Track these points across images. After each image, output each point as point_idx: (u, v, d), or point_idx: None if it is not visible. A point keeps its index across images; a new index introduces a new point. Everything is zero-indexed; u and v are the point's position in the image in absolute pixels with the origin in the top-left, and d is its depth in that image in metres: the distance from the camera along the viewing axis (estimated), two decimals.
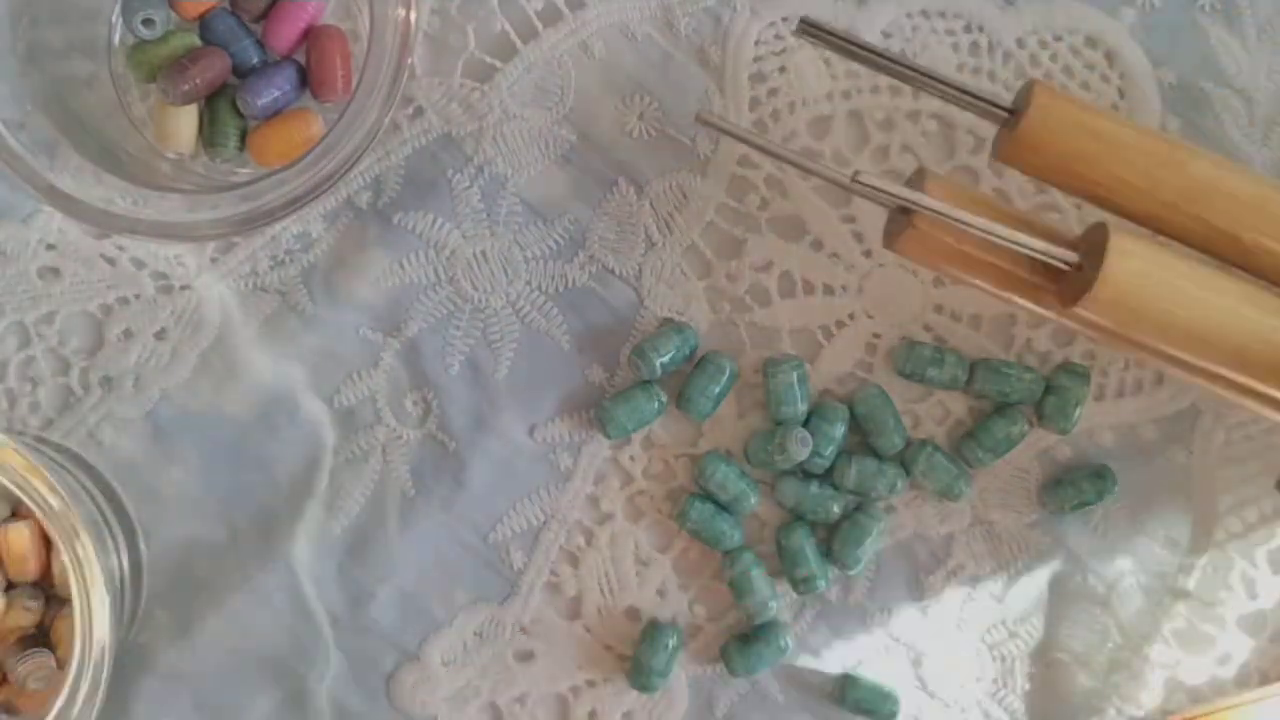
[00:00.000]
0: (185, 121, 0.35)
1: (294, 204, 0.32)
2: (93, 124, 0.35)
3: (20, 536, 0.34)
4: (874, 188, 0.24)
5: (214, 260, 0.37)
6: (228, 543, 0.36)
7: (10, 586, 0.34)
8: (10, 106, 0.33)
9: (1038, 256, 0.24)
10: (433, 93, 0.37)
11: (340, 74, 0.35)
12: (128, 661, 0.36)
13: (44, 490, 0.32)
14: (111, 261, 0.36)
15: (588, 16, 0.37)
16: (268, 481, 0.37)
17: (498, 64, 0.37)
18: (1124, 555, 0.37)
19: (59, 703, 0.32)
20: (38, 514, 0.32)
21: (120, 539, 0.35)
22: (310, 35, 0.36)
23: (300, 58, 0.36)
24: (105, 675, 0.32)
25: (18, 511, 0.34)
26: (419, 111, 0.37)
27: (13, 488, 0.32)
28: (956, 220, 0.24)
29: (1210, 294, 0.25)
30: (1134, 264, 0.25)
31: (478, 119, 0.37)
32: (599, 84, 0.37)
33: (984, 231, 0.23)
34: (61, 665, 0.33)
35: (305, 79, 0.36)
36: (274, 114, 0.35)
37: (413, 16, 0.33)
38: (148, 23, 0.35)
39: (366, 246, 0.37)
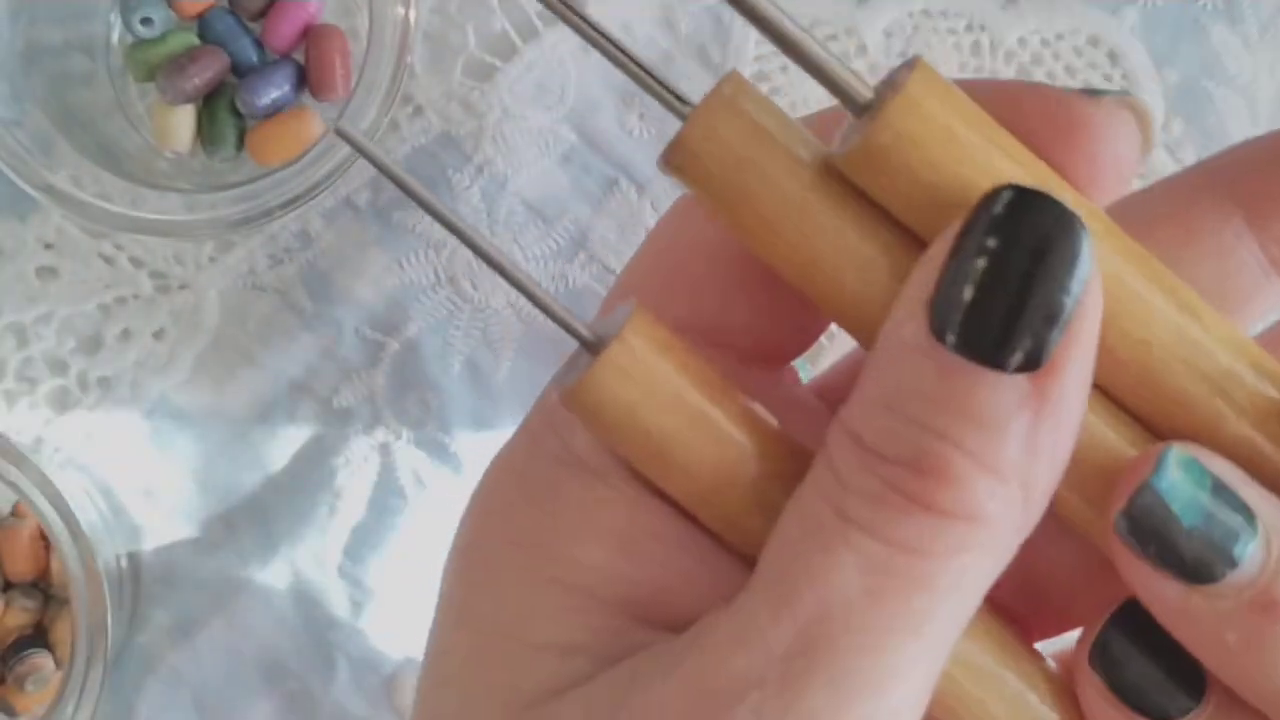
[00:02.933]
0: (184, 120, 0.35)
1: (293, 203, 0.32)
2: (91, 123, 0.35)
3: (19, 537, 0.34)
4: None
5: (212, 259, 0.37)
6: (227, 543, 0.36)
7: (8, 586, 0.34)
8: (8, 105, 0.33)
9: (834, 82, 0.17)
10: (432, 92, 0.37)
11: (339, 73, 0.35)
12: (127, 662, 0.36)
13: (42, 490, 0.32)
14: (109, 261, 0.36)
15: (588, 16, 0.37)
16: (267, 482, 0.37)
17: (498, 63, 0.37)
18: None
19: (57, 703, 0.32)
20: (36, 514, 0.32)
21: (119, 539, 0.35)
22: (309, 34, 0.36)
23: (299, 57, 0.36)
24: (104, 676, 0.32)
25: (16, 511, 0.34)
26: (418, 111, 0.37)
27: (11, 488, 0.32)
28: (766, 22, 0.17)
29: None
30: (931, 107, 0.17)
31: (477, 118, 0.37)
32: (599, 84, 0.37)
33: (794, 43, 0.18)
34: (60, 666, 0.33)
35: (304, 78, 0.36)
36: (273, 113, 0.35)
37: (412, 15, 0.33)
38: (146, 22, 0.35)
39: (366, 246, 0.37)
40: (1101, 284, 0.17)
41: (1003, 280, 0.15)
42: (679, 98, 0.18)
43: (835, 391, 0.20)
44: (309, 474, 0.37)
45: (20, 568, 0.34)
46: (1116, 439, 0.18)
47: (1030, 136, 0.17)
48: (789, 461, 0.17)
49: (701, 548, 0.18)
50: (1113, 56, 0.37)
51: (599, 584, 0.17)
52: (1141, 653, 0.18)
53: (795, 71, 0.37)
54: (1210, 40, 0.37)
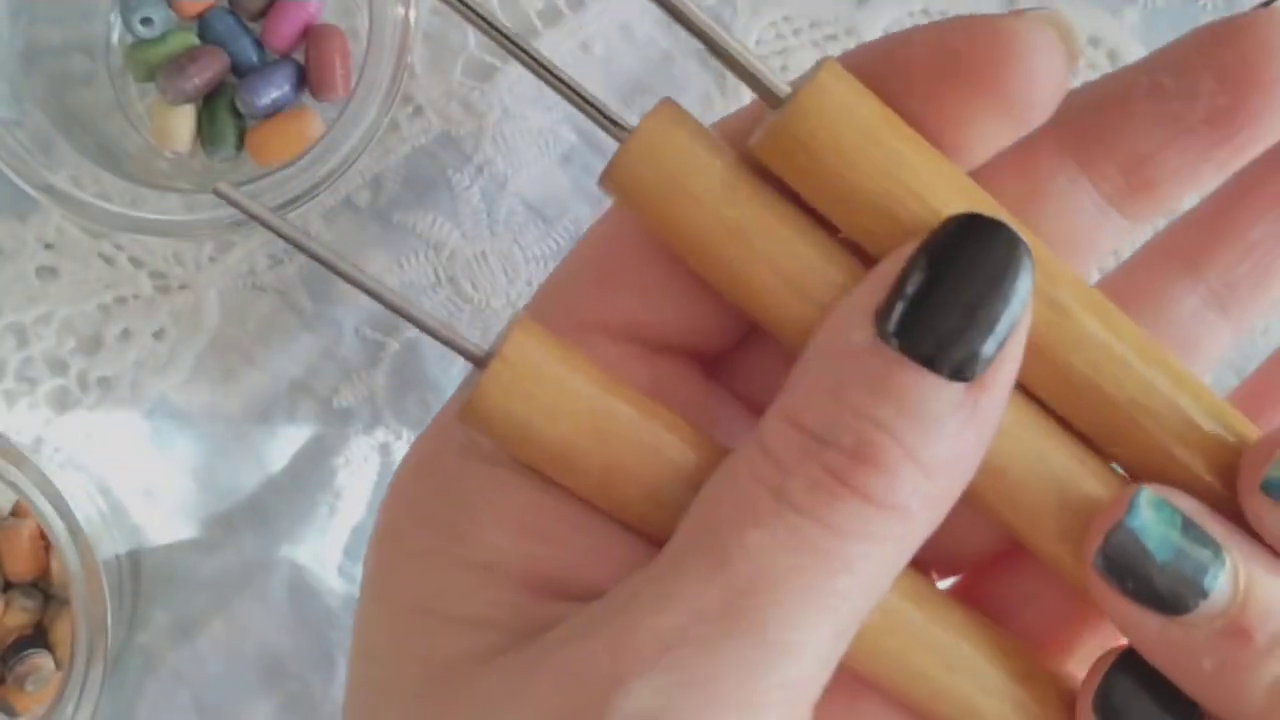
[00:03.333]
0: (183, 120, 0.35)
1: (292, 203, 0.32)
2: (91, 122, 0.35)
3: (19, 537, 0.34)
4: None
5: (212, 260, 0.37)
6: (227, 544, 0.36)
7: (8, 586, 0.34)
8: (8, 105, 0.33)
9: (754, 78, 0.18)
10: (432, 92, 0.37)
11: (339, 73, 0.35)
12: (127, 662, 0.36)
13: (42, 490, 0.32)
14: (109, 261, 0.36)
15: (588, 16, 0.37)
16: (267, 482, 0.37)
17: (498, 63, 0.37)
18: None
19: (57, 704, 0.32)
20: (36, 514, 0.32)
21: (118, 539, 0.35)
22: (309, 34, 0.36)
23: (299, 57, 0.36)
24: (104, 676, 0.32)
25: (16, 511, 0.34)
26: (418, 110, 0.37)
27: (11, 488, 0.32)
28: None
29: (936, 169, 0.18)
30: (842, 96, 0.18)
31: (477, 118, 0.37)
32: (599, 84, 0.37)
33: (719, 44, 0.19)
34: (60, 666, 0.33)
35: (304, 78, 0.36)
36: (273, 113, 0.35)
37: (412, 15, 0.33)
38: (146, 21, 0.35)
39: (366, 246, 0.37)
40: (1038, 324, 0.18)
41: (951, 296, 0.16)
42: (616, 123, 0.19)
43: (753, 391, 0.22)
44: (309, 474, 0.37)
45: (20, 568, 0.34)
46: (1092, 483, 0.19)
47: (966, 67, 0.17)
48: (687, 453, 0.18)
49: (600, 525, 0.19)
50: (1113, 56, 0.37)
51: (505, 562, 0.18)
52: (1140, 698, 0.19)
53: (796, 71, 0.37)
54: None
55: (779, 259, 0.18)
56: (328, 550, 0.37)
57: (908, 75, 0.18)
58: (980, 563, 0.22)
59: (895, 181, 0.18)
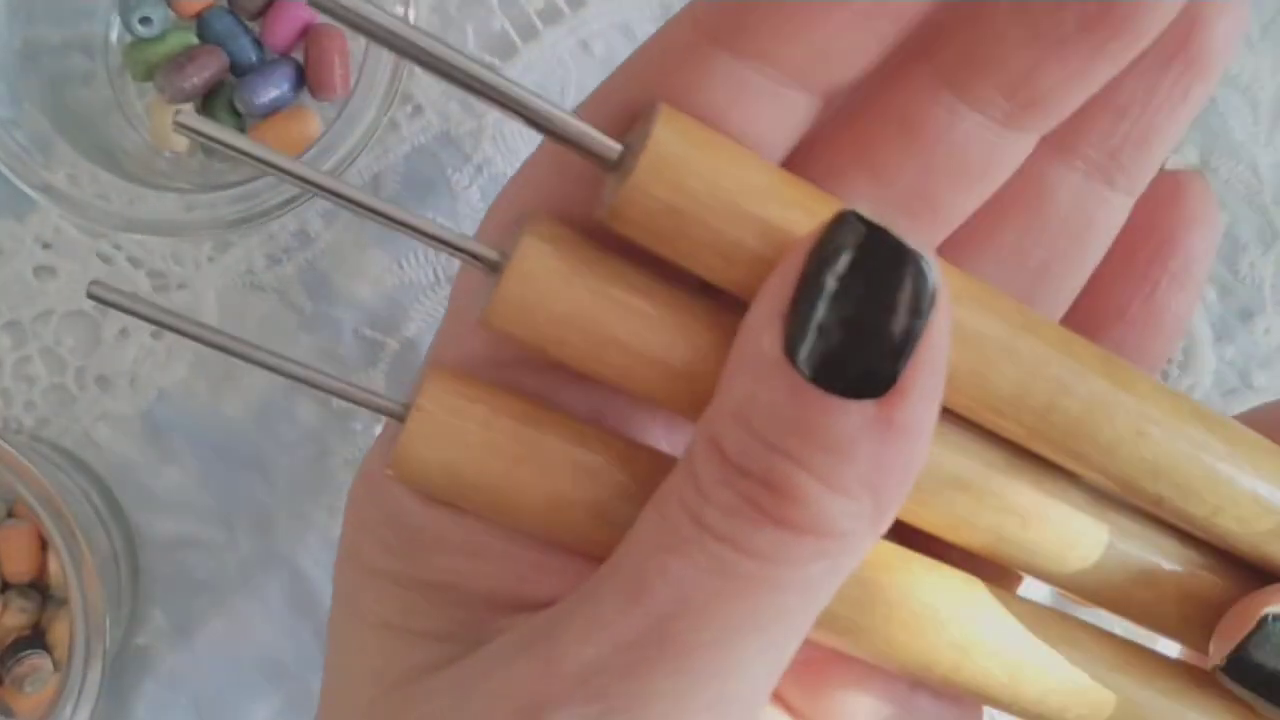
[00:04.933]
0: None
1: (291, 202, 0.32)
2: (89, 122, 0.35)
3: (16, 538, 0.33)
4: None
5: (211, 259, 0.37)
6: (226, 544, 0.36)
7: (6, 587, 0.34)
8: (6, 104, 0.32)
9: (577, 141, 0.17)
10: (431, 91, 0.37)
11: (338, 72, 0.35)
12: (126, 664, 0.36)
13: (40, 490, 0.32)
14: (108, 260, 0.36)
15: (588, 15, 0.37)
16: (265, 482, 0.36)
17: (497, 63, 0.37)
18: None
19: (55, 704, 0.31)
20: (33, 514, 0.32)
21: (117, 540, 0.35)
22: (308, 34, 0.35)
23: (298, 56, 0.36)
24: (102, 677, 0.32)
25: (14, 512, 0.34)
26: (418, 110, 0.37)
27: (8, 489, 0.32)
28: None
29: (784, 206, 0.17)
30: (685, 145, 0.16)
31: (477, 118, 0.37)
32: (599, 83, 0.37)
33: (542, 116, 0.16)
34: (58, 667, 0.33)
35: (303, 77, 0.36)
36: (272, 112, 0.35)
37: (412, 14, 0.32)
38: (145, 21, 0.35)
39: (365, 246, 0.37)
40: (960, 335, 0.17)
41: (840, 312, 0.15)
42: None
43: None
44: (309, 474, 0.36)
45: (18, 568, 0.34)
46: (1209, 579, 0.20)
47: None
48: (629, 470, 0.18)
49: (545, 541, 0.19)
50: None
51: (460, 582, 0.18)
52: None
53: None
54: None
55: (656, 354, 0.17)
56: (326, 551, 0.37)
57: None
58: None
59: (751, 219, 0.16)
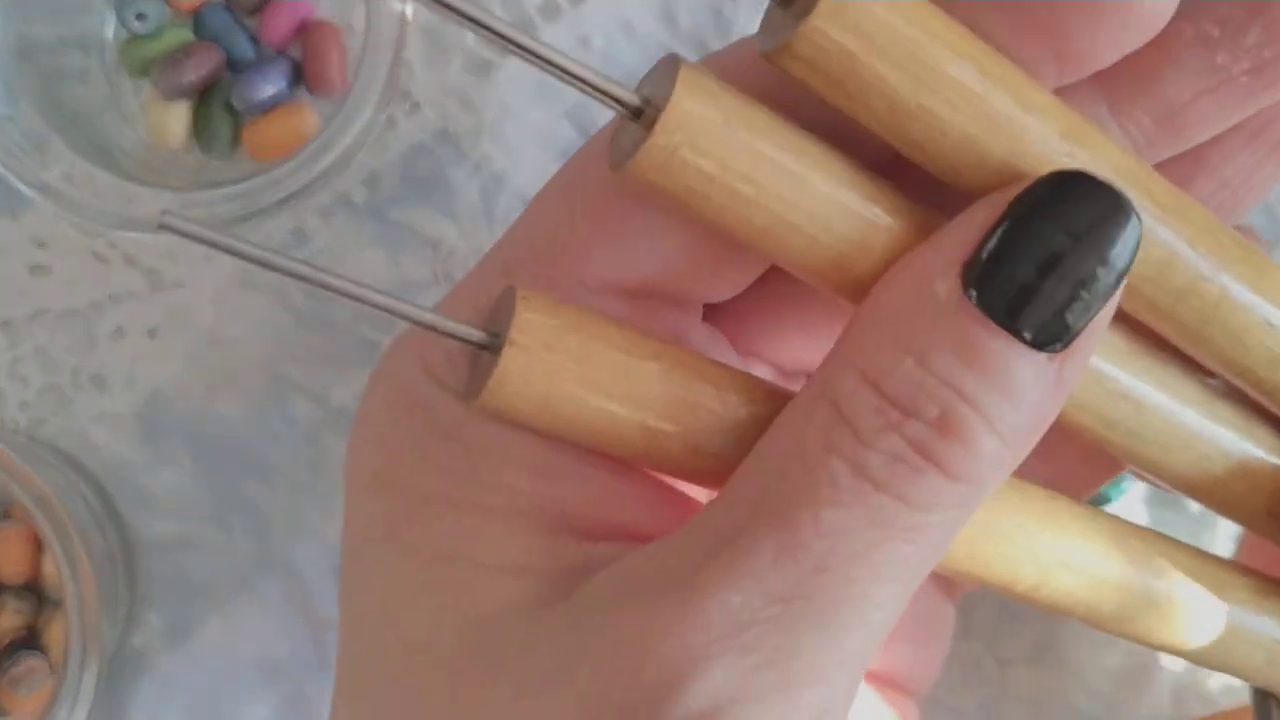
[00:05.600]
0: (178, 117, 0.35)
1: (288, 200, 0.32)
2: (85, 119, 0.35)
3: (11, 539, 0.33)
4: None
5: (207, 258, 0.36)
6: (222, 545, 0.36)
7: (1, 589, 0.34)
8: (1, 101, 0.32)
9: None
10: (430, 88, 0.36)
11: (336, 69, 0.35)
12: (122, 665, 0.36)
13: (35, 491, 0.31)
14: (103, 259, 0.36)
15: (587, 10, 0.37)
16: (262, 482, 0.36)
17: (496, 59, 0.37)
18: None
19: (51, 707, 0.31)
20: (29, 515, 0.31)
21: (113, 541, 0.34)
22: (305, 30, 0.35)
23: (295, 53, 0.36)
24: (98, 679, 0.32)
25: (9, 513, 0.34)
26: (416, 107, 0.36)
27: (3, 489, 0.32)
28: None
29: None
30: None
31: (476, 115, 0.37)
32: None
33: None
34: (54, 669, 0.33)
35: (300, 74, 0.35)
36: (269, 109, 0.35)
37: (409, 11, 0.32)
38: (141, 17, 0.34)
39: (362, 244, 0.36)
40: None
41: (1046, 259, 0.16)
42: (624, 102, 0.17)
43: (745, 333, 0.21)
44: (305, 474, 0.36)
45: (13, 570, 0.33)
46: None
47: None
48: (722, 398, 0.17)
49: (619, 461, 0.18)
50: None
51: (529, 507, 0.17)
52: None
53: None
54: None
55: (801, 200, 0.17)
56: (324, 552, 0.36)
57: None
58: None
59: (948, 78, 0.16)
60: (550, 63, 0.17)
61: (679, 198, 0.17)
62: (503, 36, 0.17)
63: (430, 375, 0.18)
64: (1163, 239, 0.17)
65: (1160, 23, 0.17)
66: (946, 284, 0.16)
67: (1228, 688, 0.37)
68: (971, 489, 0.16)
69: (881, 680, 0.23)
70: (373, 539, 0.18)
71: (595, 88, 0.17)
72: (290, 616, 0.36)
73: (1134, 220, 0.16)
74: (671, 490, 0.19)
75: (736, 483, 0.17)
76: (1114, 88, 0.18)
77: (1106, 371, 0.19)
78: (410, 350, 0.19)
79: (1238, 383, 0.20)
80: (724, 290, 0.20)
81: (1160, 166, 0.19)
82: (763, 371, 0.22)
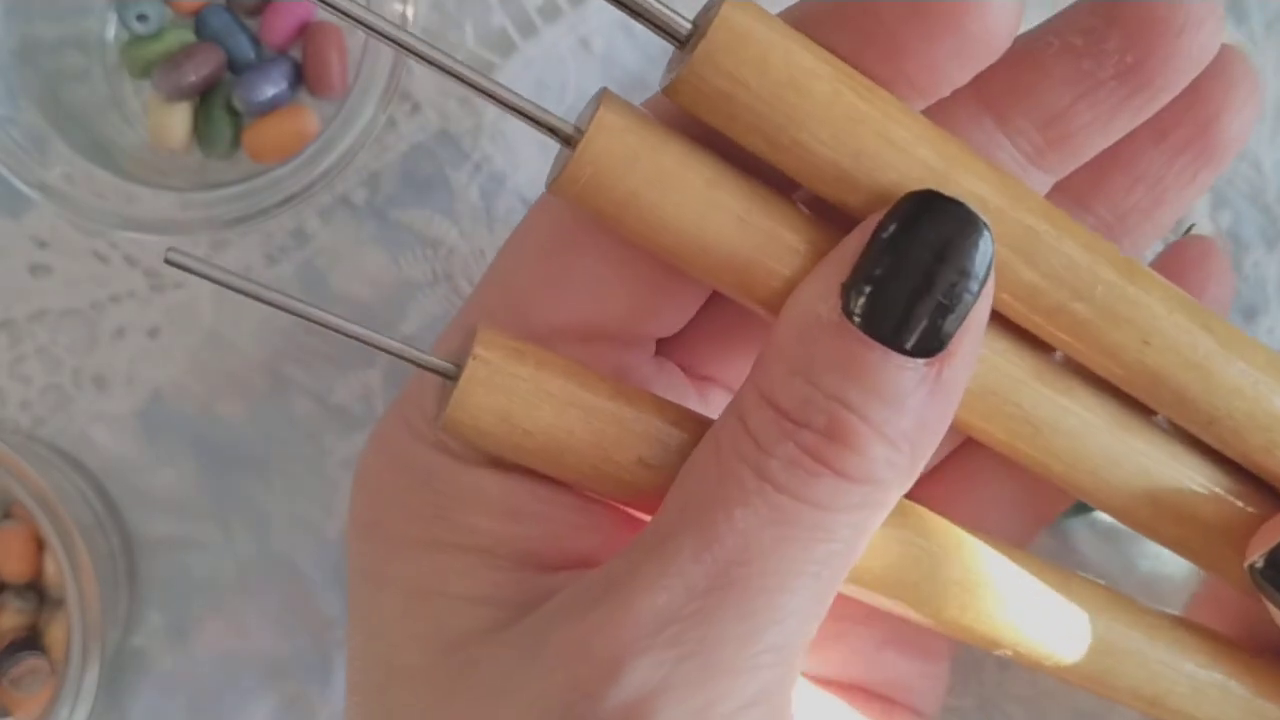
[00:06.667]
0: (179, 117, 0.35)
1: (289, 201, 0.32)
2: (86, 119, 0.35)
3: (12, 538, 0.33)
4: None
5: (207, 258, 0.36)
6: (223, 545, 0.36)
7: (2, 589, 0.34)
8: (2, 101, 0.32)
9: (655, 18, 0.19)
10: (430, 89, 0.37)
11: (337, 70, 0.35)
12: (122, 665, 0.36)
13: (36, 491, 0.31)
14: (104, 259, 0.36)
15: (588, 12, 0.37)
16: (262, 483, 0.36)
17: (496, 60, 0.37)
18: (1131, 558, 0.37)
19: (52, 706, 0.31)
20: (30, 515, 0.31)
21: (114, 540, 0.34)
22: (306, 31, 0.35)
23: (296, 54, 0.36)
24: (99, 679, 0.32)
25: (10, 512, 0.34)
26: (416, 108, 0.37)
27: (4, 488, 0.32)
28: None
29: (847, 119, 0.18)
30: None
31: (476, 116, 0.37)
32: (599, 81, 0.37)
33: None
34: (55, 668, 0.33)
35: (301, 75, 0.35)
36: (269, 110, 0.35)
37: (410, 12, 0.32)
38: (142, 18, 0.35)
39: (362, 244, 0.36)
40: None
41: (911, 275, 0.17)
42: (554, 130, 0.19)
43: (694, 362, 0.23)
44: (306, 474, 0.36)
45: (14, 569, 0.33)
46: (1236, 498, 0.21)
47: (924, 8, 0.18)
48: (664, 420, 0.19)
49: (575, 497, 0.20)
50: None
51: (494, 545, 0.19)
52: None
53: None
54: None
55: (740, 238, 0.18)
56: (324, 551, 0.36)
57: (866, 18, 0.18)
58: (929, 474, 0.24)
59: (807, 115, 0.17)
60: (495, 97, 0.19)
61: (601, 218, 0.19)
62: (462, 78, 0.19)
63: (412, 432, 0.20)
64: (1046, 252, 0.19)
65: (998, 39, 0.18)
66: (828, 306, 0.17)
67: None
68: (872, 489, 0.18)
69: (886, 700, 0.24)
70: (364, 578, 0.21)
71: (532, 118, 0.19)
72: (290, 616, 0.36)
73: (983, 230, 0.17)
74: (629, 523, 0.21)
75: (667, 498, 0.18)
76: (995, 101, 0.19)
77: (1005, 393, 0.20)
78: (397, 412, 0.21)
79: (1139, 398, 0.20)
80: (668, 326, 0.21)
81: (1074, 173, 0.20)
82: (717, 393, 0.24)
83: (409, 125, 0.36)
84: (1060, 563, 0.30)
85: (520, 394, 0.18)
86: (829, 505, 0.17)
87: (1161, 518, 0.21)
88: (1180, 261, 0.23)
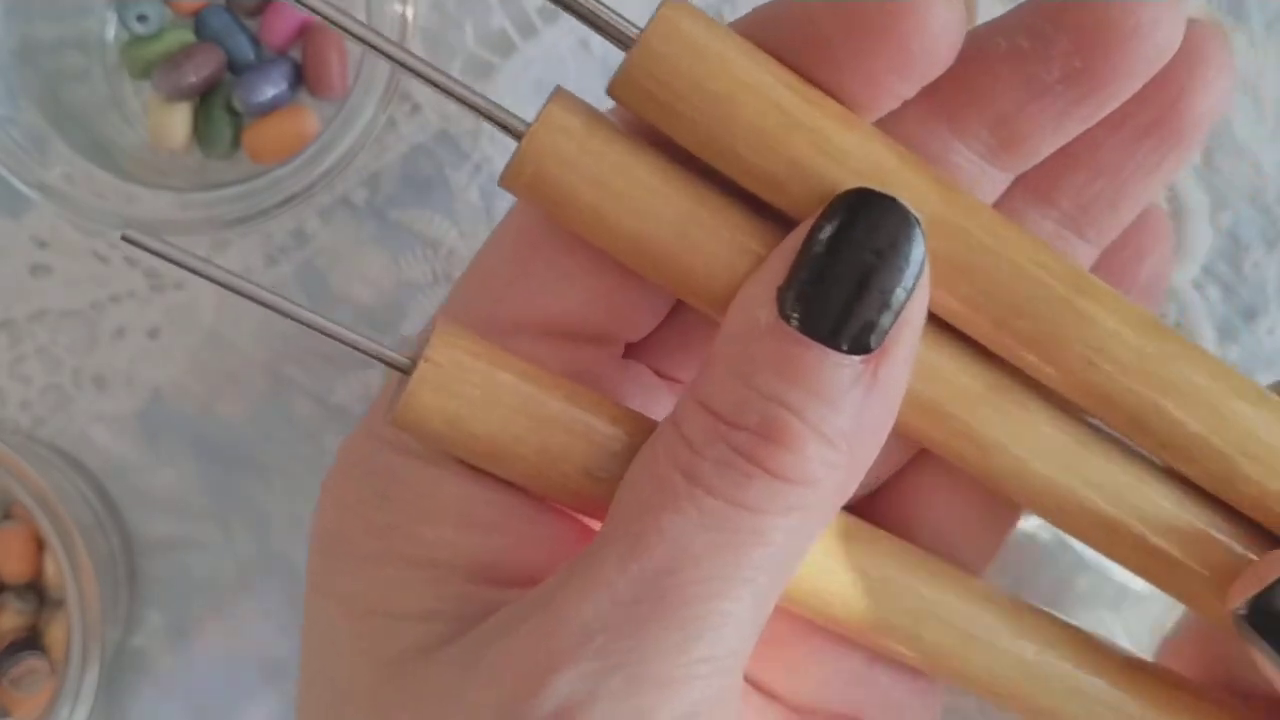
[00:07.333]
0: (179, 118, 0.35)
1: (289, 201, 0.32)
2: (86, 120, 0.35)
3: (12, 538, 0.33)
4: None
5: (208, 258, 0.36)
6: (223, 545, 0.36)
7: (2, 589, 0.34)
8: (1, 101, 0.32)
9: (603, 24, 0.19)
10: (430, 90, 0.37)
11: (337, 71, 0.35)
12: (122, 665, 0.36)
13: (36, 491, 0.31)
14: (103, 259, 0.36)
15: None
16: (262, 483, 0.36)
17: (496, 61, 0.37)
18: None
19: (52, 706, 0.31)
20: (30, 515, 0.31)
21: (113, 541, 0.34)
22: (306, 31, 0.35)
23: (296, 54, 0.36)
24: (99, 679, 0.32)
25: (10, 513, 0.34)
26: (416, 109, 0.37)
27: (4, 489, 0.32)
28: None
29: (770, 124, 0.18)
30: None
31: (476, 116, 0.37)
32: (599, 81, 0.36)
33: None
34: (55, 668, 0.33)
35: (301, 76, 0.35)
36: (269, 111, 0.35)
37: (410, 13, 0.32)
38: (142, 18, 0.35)
39: (362, 245, 0.36)
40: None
41: (845, 274, 0.17)
42: (504, 126, 0.20)
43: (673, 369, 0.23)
44: (306, 474, 0.36)
45: (14, 570, 0.33)
46: (1221, 535, 0.20)
47: (864, 23, 0.17)
48: (617, 429, 0.19)
49: (534, 509, 0.20)
50: None
51: (446, 556, 0.19)
52: None
53: None
54: None
55: (687, 228, 0.18)
56: None
57: (806, 33, 0.18)
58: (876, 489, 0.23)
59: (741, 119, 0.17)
60: (444, 89, 0.20)
61: (551, 215, 0.19)
62: (415, 71, 0.19)
63: (374, 435, 0.20)
64: (988, 262, 0.18)
65: (937, 55, 0.18)
66: (765, 310, 0.17)
67: None
68: (808, 490, 0.17)
69: None
70: (315, 592, 0.20)
71: (485, 114, 0.19)
72: (290, 616, 0.36)
73: (914, 225, 0.17)
74: (586, 535, 0.20)
75: (610, 508, 0.18)
76: (945, 103, 0.19)
77: (954, 411, 0.20)
78: (364, 421, 0.21)
79: (1090, 413, 0.20)
80: (637, 326, 0.21)
81: (1033, 170, 0.20)
82: None
83: (409, 126, 0.37)
84: (1060, 559, 0.30)
85: (469, 399, 0.18)
86: (764, 508, 0.17)
87: (1119, 546, 0.20)
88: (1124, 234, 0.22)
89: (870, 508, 0.23)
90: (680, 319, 0.22)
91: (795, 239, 0.17)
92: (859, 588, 0.20)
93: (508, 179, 0.19)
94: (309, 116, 0.35)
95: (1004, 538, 0.24)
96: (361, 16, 0.34)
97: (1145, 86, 0.19)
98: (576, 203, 0.18)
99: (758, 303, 0.17)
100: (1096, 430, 0.20)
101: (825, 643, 0.22)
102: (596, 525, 0.19)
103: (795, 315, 0.17)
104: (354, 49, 0.35)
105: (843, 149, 0.18)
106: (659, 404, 0.22)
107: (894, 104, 0.18)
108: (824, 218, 0.17)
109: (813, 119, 0.17)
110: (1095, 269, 0.21)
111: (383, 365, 0.19)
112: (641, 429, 0.19)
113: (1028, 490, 0.20)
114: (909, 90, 0.18)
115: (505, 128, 0.19)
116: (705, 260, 0.18)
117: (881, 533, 0.21)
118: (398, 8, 0.32)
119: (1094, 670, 0.21)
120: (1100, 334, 0.19)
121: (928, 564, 0.21)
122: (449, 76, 0.19)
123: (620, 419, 0.19)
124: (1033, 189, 0.21)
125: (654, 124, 0.18)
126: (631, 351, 0.22)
